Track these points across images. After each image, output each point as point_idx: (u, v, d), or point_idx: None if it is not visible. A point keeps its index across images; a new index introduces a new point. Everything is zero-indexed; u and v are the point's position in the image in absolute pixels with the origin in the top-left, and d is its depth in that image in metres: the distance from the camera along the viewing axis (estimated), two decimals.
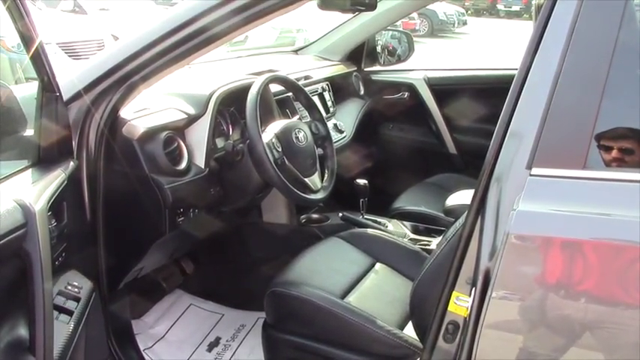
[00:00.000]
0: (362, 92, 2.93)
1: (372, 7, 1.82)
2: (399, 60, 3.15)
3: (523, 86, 1.20)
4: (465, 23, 20.16)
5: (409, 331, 1.73)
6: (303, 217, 2.44)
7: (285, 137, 1.90)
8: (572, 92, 1.15)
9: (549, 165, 1.14)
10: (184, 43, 1.55)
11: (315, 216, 2.45)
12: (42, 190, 1.29)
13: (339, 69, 2.85)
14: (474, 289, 1.28)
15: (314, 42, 3.02)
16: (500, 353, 1.23)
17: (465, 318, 1.29)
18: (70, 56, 8.00)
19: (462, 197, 2.17)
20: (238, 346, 2.17)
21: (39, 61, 1.33)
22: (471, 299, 1.27)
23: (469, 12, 24.13)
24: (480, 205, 1.26)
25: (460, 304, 1.31)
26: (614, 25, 1.13)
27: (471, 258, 1.32)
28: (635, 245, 1.06)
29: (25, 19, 1.24)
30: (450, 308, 1.37)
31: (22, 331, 1.17)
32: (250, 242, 2.39)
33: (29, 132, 1.50)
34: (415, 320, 1.60)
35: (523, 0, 26.06)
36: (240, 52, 2.98)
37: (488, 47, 13.58)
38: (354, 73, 2.94)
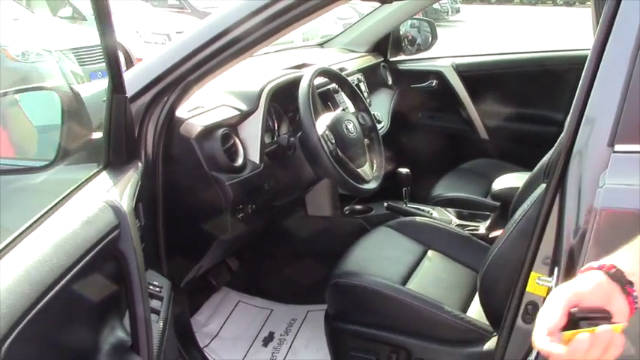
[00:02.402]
0: (390, 82, 2.95)
1: None
2: (419, 49, 3.16)
3: (599, 63, 1.21)
4: (458, 11, 20.15)
5: (471, 315, 1.75)
6: (346, 208, 2.46)
7: (336, 129, 1.91)
8: None
9: (633, 141, 1.15)
10: (236, 43, 1.57)
11: (358, 207, 2.46)
12: (123, 191, 1.30)
13: (367, 60, 2.86)
14: (556, 268, 1.29)
15: (339, 34, 3.03)
16: None
17: (545, 299, 1.31)
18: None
19: (508, 181, 2.19)
20: (293, 339, 2.19)
21: (113, 62, 1.33)
22: (554, 278, 1.29)
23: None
24: (558, 184, 1.27)
25: (542, 283, 1.33)
26: None
27: (549, 238, 1.34)
28: None
29: (107, 21, 1.24)
30: (528, 289, 1.39)
31: (120, 332, 1.18)
32: (295, 236, 2.39)
33: (96, 134, 1.51)
34: (485, 304, 1.61)
35: None
36: (268, 48, 2.97)
37: (487, 34, 13.60)
38: (382, 64, 2.95)
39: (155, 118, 1.62)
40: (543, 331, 0.78)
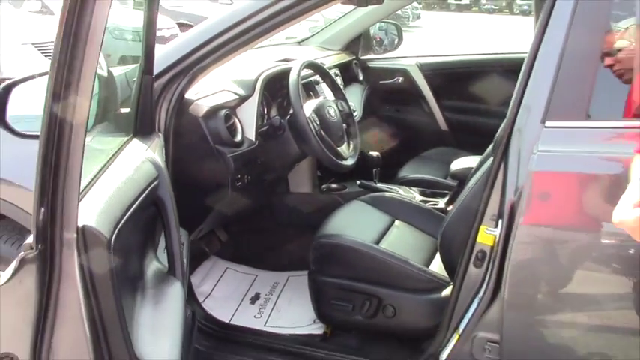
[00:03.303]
0: (361, 78, 3.28)
1: (381, 2, 2.17)
2: (386, 50, 3.52)
3: (534, 62, 1.55)
4: (418, 17, 20.74)
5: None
6: (324, 186, 2.77)
7: (320, 113, 2.23)
8: (574, 64, 1.50)
9: (559, 119, 1.50)
10: (240, 37, 1.87)
11: (334, 185, 2.78)
12: (154, 152, 1.59)
13: (341, 57, 3.19)
14: (500, 220, 1.63)
15: (315, 34, 3.35)
16: (526, 273, 1.58)
17: (492, 246, 1.64)
18: (46, 56, 8.15)
19: (464, 162, 2.53)
20: (277, 298, 2.48)
21: (150, 46, 1.61)
22: (499, 229, 1.62)
23: (421, 5, 24.79)
24: (503, 153, 1.61)
25: (489, 232, 1.66)
26: (605, 10, 1.49)
27: (495, 198, 1.67)
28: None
29: (153, 15, 1.53)
30: (478, 239, 1.72)
31: (157, 262, 1.47)
32: (278, 210, 2.70)
33: (124, 109, 1.79)
34: (444, 257, 1.95)
35: None
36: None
37: (442, 38, 14.09)
38: (354, 61, 3.28)
39: (168, 99, 1.90)
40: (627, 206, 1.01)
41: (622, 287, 1.51)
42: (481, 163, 2.05)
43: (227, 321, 2.27)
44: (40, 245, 0.91)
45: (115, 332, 1.03)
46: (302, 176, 2.68)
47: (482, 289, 1.66)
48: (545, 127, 1.50)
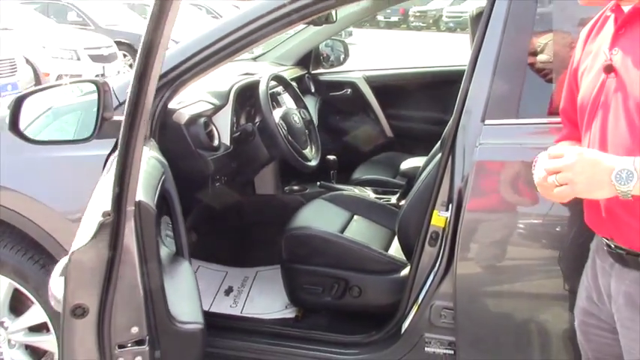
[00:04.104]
0: (313, 90, 3.58)
1: (333, 22, 2.48)
2: (333, 65, 3.84)
3: (473, 72, 1.87)
4: (350, 34, 21.28)
5: None
6: (287, 188, 3.04)
7: (287, 119, 2.51)
8: (506, 73, 1.83)
9: (495, 118, 1.82)
10: (218, 53, 2.11)
11: (296, 187, 3.05)
12: (155, 151, 1.82)
13: (295, 72, 3.47)
14: (450, 205, 1.93)
15: (269, 51, 3.62)
16: (474, 248, 1.87)
17: (444, 228, 1.94)
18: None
19: (412, 162, 2.85)
20: (249, 290, 2.71)
21: (147, 57, 1.84)
22: (449, 212, 1.92)
23: (349, 26, 25.31)
24: (450, 148, 1.92)
25: (441, 214, 1.96)
26: (529, 26, 1.83)
27: (445, 186, 1.97)
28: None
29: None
30: (432, 222, 2.01)
31: (163, 246, 1.70)
32: (245, 211, 2.94)
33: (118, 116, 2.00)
34: (402, 240, 2.25)
35: (400, 11, 27.74)
36: None
37: (377, 55, 14.60)
38: (306, 75, 3.57)
39: (154, 108, 2.13)
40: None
41: (549, 259, 1.81)
42: (429, 160, 2.37)
43: (206, 309, 2.49)
44: (114, 214, 1.13)
45: (157, 292, 1.26)
46: (267, 179, 2.94)
47: (437, 265, 1.95)
48: (485, 124, 1.81)
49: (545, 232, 1.83)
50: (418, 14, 27.82)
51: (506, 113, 1.82)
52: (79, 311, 1.16)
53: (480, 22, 1.91)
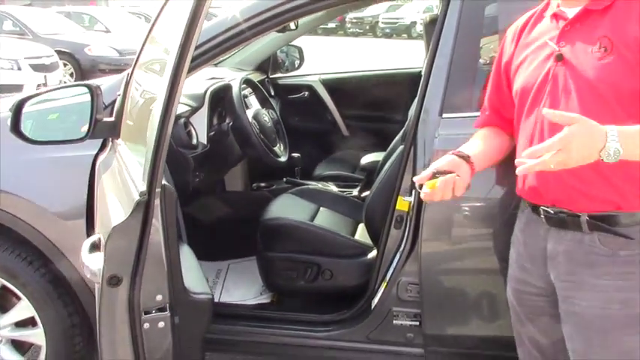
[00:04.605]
0: (273, 94, 3.78)
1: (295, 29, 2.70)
2: (288, 70, 4.07)
3: (430, 72, 2.11)
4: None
5: None
6: (255, 185, 3.24)
7: (258, 119, 2.71)
8: (459, 74, 2.08)
9: (451, 112, 2.07)
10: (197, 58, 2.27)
11: (263, 184, 3.25)
12: None
13: (255, 76, 3.66)
14: (413, 191, 2.16)
15: (229, 56, 3.79)
16: (435, 229, 2.10)
17: (408, 211, 2.17)
18: None
19: (371, 157, 3.10)
20: (224, 281, 2.88)
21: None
22: (412, 197, 2.16)
23: (306, 33, 25.50)
24: (412, 141, 2.15)
25: (405, 199, 2.19)
26: (479, 31, 2.08)
27: (408, 174, 2.20)
28: None
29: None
30: (397, 207, 2.24)
31: None
32: (216, 208, 3.12)
33: (109, 118, 2.15)
34: (369, 225, 2.47)
35: (338, 18, 28.25)
36: None
37: (318, 58, 14.89)
38: (266, 79, 3.78)
39: None
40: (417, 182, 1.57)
41: (492, 236, 2.03)
42: (389, 154, 2.61)
43: None
44: (147, 195, 1.31)
45: (176, 266, 1.43)
46: (236, 177, 3.13)
47: (403, 245, 2.17)
48: (442, 118, 2.05)
49: (490, 213, 2.06)
50: (355, 21, 28.34)
51: (460, 108, 2.06)
52: (113, 280, 1.33)
53: (433, 28, 2.17)
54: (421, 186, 1.59)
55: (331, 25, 28.39)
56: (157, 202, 1.34)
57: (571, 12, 1.54)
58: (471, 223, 2.08)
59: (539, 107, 1.53)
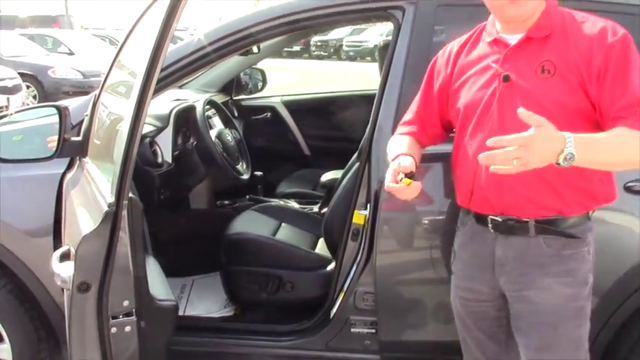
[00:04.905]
0: (236, 114, 3.90)
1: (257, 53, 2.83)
2: (251, 92, 4.20)
3: (383, 93, 2.25)
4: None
5: None
6: (218, 202, 3.34)
7: (221, 138, 2.82)
8: (410, 93, 2.20)
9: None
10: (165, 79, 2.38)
11: (227, 202, 3.35)
12: None
13: (219, 98, 3.78)
14: (368, 204, 2.29)
15: (194, 79, 3.90)
16: (389, 241, 2.22)
17: (364, 225, 2.30)
18: None
19: (331, 175, 3.22)
20: (188, 295, 2.96)
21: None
22: (367, 210, 2.28)
23: (268, 56, 25.61)
24: (367, 159, 2.28)
25: (361, 213, 2.32)
26: (427, 55, 2.24)
27: (364, 190, 2.32)
28: None
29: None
30: (354, 220, 2.36)
31: None
32: (181, 225, 3.20)
33: (76, 137, 2.24)
34: (328, 239, 2.59)
35: (302, 41, 28.57)
36: None
37: (283, 81, 15.08)
38: (229, 101, 3.90)
39: None
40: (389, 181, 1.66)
41: (444, 249, 2.11)
42: (347, 171, 2.74)
43: None
44: (115, 206, 1.40)
45: (142, 273, 1.53)
46: (200, 195, 3.22)
47: (359, 257, 2.30)
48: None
49: (437, 225, 2.17)
50: (319, 44, 28.70)
51: None
52: (83, 287, 1.42)
53: (386, 52, 2.32)
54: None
55: (296, 48, 28.74)
56: (125, 213, 1.44)
57: (512, 38, 1.71)
58: (421, 235, 2.21)
59: (488, 124, 1.68)
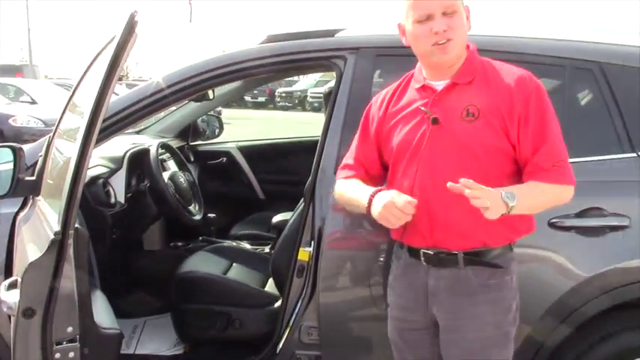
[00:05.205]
0: (193, 159, 4.01)
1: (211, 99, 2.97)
2: (209, 137, 4.33)
3: (326, 138, 2.39)
4: (220, 113, 21.92)
5: None
6: (172, 244, 3.41)
7: (174, 180, 2.93)
8: (350, 136, 2.33)
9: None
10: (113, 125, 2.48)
11: (180, 243, 3.43)
12: None
13: (176, 143, 3.90)
14: (312, 242, 2.39)
15: (152, 125, 4.03)
16: (332, 277, 2.32)
17: (308, 261, 2.40)
18: None
19: (282, 216, 3.33)
20: (140, 335, 2.99)
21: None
22: (311, 247, 2.39)
23: (224, 103, 25.81)
24: (311, 198, 2.40)
25: (305, 250, 2.41)
26: (365, 102, 2.39)
27: (308, 228, 2.43)
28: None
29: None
30: (299, 257, 2.46)
31: None
32: (134, 266, 3.26)
33: (30, 177, 2.32)
34: (275, 276, 2.68)
35: (267, 92, 28.96)
36: None
37: (248, 131, 15.26)
38: (186, 146, 4.02)
39: None
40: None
41: (381, 283, 2.21)
42: (295, 212, 2.86)
43: None
44: (61, 235, 1.49)
45: (86, 301, 1.60)
46: (153, 236, 3.30)
47: (304, 292, 2.38)
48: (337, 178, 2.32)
49: (374, 260, 2.28)
50: (284, 95, 29.17)
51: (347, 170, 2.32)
52: (28, 312, 1.49)
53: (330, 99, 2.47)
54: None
55: (261, 99, 29.16)
56: (70, 241, 1.53)
57: (438, 84, 1.87)
58: (361, 269, 2.32)
59: (418, 163, 1.83)
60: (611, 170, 2.25)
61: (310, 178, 2.43)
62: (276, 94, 29.23)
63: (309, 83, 27.17)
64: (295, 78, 28.28)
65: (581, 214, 2.16)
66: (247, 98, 28.82)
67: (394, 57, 2.35)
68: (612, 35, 2.51)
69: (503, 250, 1.85)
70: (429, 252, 1.86)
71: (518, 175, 1.82)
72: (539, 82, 1.84)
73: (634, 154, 2.24)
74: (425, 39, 1.80)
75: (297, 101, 28.80)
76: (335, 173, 2.30)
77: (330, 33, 2.50)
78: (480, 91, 1.82)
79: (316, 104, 26.47)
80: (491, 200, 1.61)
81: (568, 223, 2.16)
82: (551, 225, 2.17)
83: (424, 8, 1.78)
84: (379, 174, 2.04)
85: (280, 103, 29.21)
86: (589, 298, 2.19)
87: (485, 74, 1.84)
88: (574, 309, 2.20)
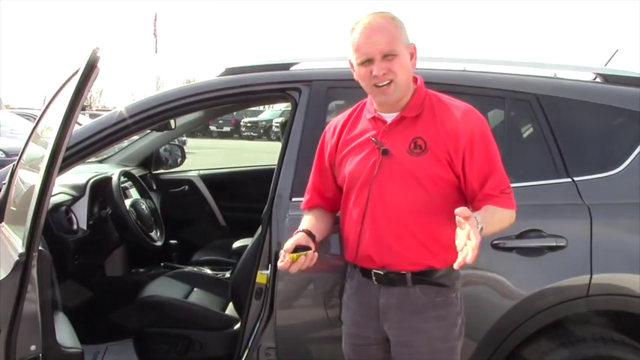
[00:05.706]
0: (155, 188, 4.09)
1: (173, 129, 3.08)
2: (171, 166, 4.42)
3: (282, 164, 2.50)
4: (184, 143, 21.89)
5: None
6: (134, 270, 3.46)
7: (136, 207, 3.00)
8: (304, 163, 2.47)
9: (297, 196, 2.44)
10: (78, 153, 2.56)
11: (142, 269, 3.48)
12: None
13: (138, 171, 3.97)
14: (269, 265, 2.49)
15: (114, 154, 4.09)
16: (287, 299, 2.40)
17: (266, 284, 2.49)
18: None
19: (242, 242, 3.43)
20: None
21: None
22: (269, 270, 2.48)
23: (185, 133, 25.85)
24: (268, 223, 2.50)
25: (263, 273, 2.50)
26: (319, 131, 2.52)
27: (265, 251, 2.53)
28: None
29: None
30: (257, 280, 2.55)
31: None
32: (95, 291, 3.30)
33: None
34: (234, 299, 2.76)
35: (232, 122, 29.08)
36: None
37: (212, 160, 15.27)
38: (148, 174, 4.09)
39: None
40: (280, 258, 1.88)
41: (332, 302, 2.30)
42: (254, 236, 2.95)
43: None
44: (25, 256, 1.56)
45: (49, 320, 1.67)
46: (115, 262, 3.35)
47: (262, 314, 2.46)
48: (292, 201, 2.43)
49: (327, 281, 2.35)
50: (249, 124, 29.31)
51: (303, 193, 2.44)
52: None
53: (286, 129, 2.59)
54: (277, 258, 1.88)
55: (226, 128, 29.25)
56: (34, 262, 1.61)
57: (388, 117, 1.99)
58: (316, 289, 2.42)
59: (369, 191, 1.95)
60: (549, 194, 2.41)
61: (267, 203, 2.53)
62: (242, 123, 29.37)
63: (274, 113, 27.33)
64: (260, 108, 28.49)
65: (521, 236, 2.30)
66: (213, 128, 28.91)
67: (345, 89, 2.49)
68: (548, 69, 2.70)
69: (448, 270, 1.96)
70: (380, 272, 1.98)
71: (460, 202, 1.92)
72: (481, 117, 1.99)
73: (569, 179, 2.40)
74: (367, 80, 1.93)
75: (262, 131, 28.94)
76: (290, 198, 2.43)
77: (286, 66, 2.63)
78: (426, 125, 1.95)
79: (281, 134, 26.70)
80: (472, 225, 1.68)
81: (510, 244, 2.29)
82: (494, 246, 2.29)
83: (364, 53, 1.90)
84: (337, 197, 2.14)
85: (245, 133, 29.33)
86: (529, 316, 2.32)
87: (432, 108, 1.97)
88: (516, 326, 2.33)
